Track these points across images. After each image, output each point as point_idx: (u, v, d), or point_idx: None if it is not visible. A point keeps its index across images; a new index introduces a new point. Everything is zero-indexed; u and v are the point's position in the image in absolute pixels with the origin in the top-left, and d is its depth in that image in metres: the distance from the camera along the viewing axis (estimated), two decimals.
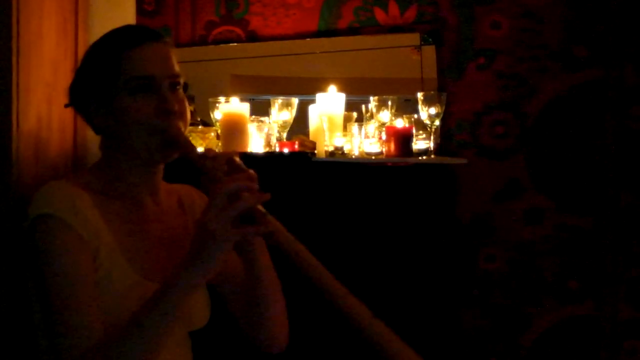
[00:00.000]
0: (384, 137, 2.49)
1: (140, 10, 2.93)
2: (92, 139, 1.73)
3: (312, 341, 2.39)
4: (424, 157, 2.50)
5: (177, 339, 1.58)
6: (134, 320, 1.35)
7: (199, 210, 1.53)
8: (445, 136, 2.80)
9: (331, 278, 1.38)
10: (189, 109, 1.59)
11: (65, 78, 2.12)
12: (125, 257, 1.50)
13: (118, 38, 1.56)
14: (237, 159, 1.44)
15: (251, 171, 1.41)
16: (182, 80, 1.57)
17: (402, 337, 2.39)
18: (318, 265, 1.38)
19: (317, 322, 2.35)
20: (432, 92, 2.61)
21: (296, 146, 2.51)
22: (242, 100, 2.58)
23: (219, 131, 2.50)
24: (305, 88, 2.81)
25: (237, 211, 1.32)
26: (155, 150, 1.52)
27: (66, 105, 1.64)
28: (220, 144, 2.48)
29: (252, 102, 2.63)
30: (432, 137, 2.52)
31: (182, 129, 1.54)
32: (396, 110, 2.57)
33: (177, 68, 1.57)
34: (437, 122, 2.52)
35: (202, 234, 1.33)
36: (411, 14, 2.87)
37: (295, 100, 2.58)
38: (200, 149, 2.55)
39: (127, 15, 2.61)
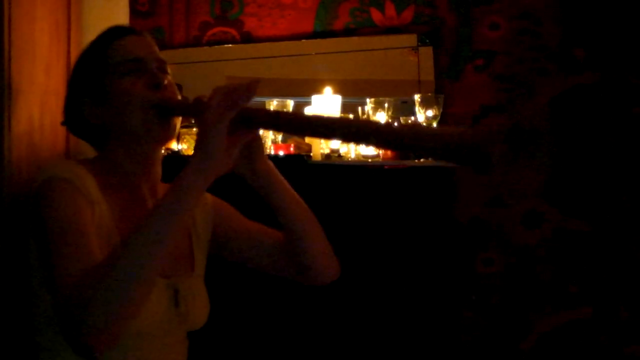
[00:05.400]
0: None
1: (133, 11, 2.90)
2: (85, 142, 1.71)
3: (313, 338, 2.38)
4: (422, 160, 2.48)
5: (175, 339, 1.57)
6: (139, 225, 1.32)
7: (198, 207, 1.60)
8: None
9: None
10: (179, 94, 1.61)
11: (58, 80, 2.10)
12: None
13: (104, 34, 1.63)
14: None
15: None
16: (168, 69, 1.61)
17: (401, 340, 2.39)
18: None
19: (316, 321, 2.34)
20: (429, 94, 2.59)
21: (292, 149, 2.50)
22: None
23: None
24: (301, 90, 2.79)
25: (231, 104, 1.35)
26: (152, 124, 1.53)
27: (62, 123, 1.69)
28: None
29: None
30: None
31: None
32: (393, 113, 2.56)
33: (162, 57, 1.62)
34: (434, 124, 2.50)
35: (199, 128, 1.36)
36: (408, 14, 2.85)
37: (290, 102, 2.57)
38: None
39: (120, 16, 2.58)
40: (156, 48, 1.63)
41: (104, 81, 1.56)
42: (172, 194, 1.33)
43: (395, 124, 1.37)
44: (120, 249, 1.29)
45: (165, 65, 1.61)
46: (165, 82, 1.56)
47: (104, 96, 1.56)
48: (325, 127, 1.39)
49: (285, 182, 1.60)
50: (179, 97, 1.61)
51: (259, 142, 1.54)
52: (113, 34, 1.62)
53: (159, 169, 1.63)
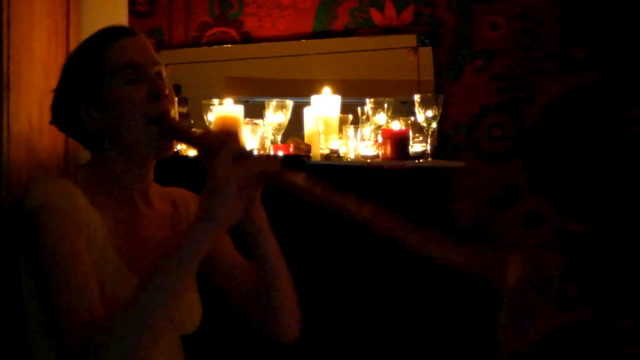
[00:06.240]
0: (380, 140, 2.47)
1: (132, 11, 2.90)
2: None
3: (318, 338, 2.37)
4: (421, 160, 2.48)
5: (168, 343, 1.57)
6: (149, 275, 1.33)
7: (193, 213, 1.53)
8: (442, 139, 2.76)
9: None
10: (174, 96, 1.61)
11: (56, 80, 2.10)
12: (118, 255, 1.49)
13: (97, 35, 1.58)
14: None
15: None
16: (163, 70, 1.59)
17: (400, 340, 2.38)
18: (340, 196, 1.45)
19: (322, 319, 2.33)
20: (428, 94, 2.59)
21: (291, 149, 2.49)
22: (236, 102, 2.56)
23: None
24: (300, 90, 2.78)
25: (244, 168, 1.35)
26: (153, 141, 1.52)
27: (51, 122, 1.64)
28: None
29: (246, 104, 2.61)
30: (428, 140, 2.50)
31: (175, 115, 1.58)
32: (392, 113, 2.55)
33: (159, 60, 1.60)
34: (433, 125, 2.50)
35: (210, 181, 1.34)
36: (408, 15, 2.84)
37: (290, 103, 2.56)
38: (193, 153, 2.54)
39: (119, 16, 2.59)
40: (152, 50, 1.60)
41: (102, 87, 1.52)
42: (181, 249, 1.34)
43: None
44: (131, 301, 1.30)
45: (162, 69, 1.57)
46: (166, 91, 1.53)
47: (102, 102, 1.52)
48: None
49: (272, 233, 1.57)
50: (176, 97, 1.60)
51: (257, 190, 1.51)
52: (108, 35, 1.57)
53: (151, 174, 1.61)
